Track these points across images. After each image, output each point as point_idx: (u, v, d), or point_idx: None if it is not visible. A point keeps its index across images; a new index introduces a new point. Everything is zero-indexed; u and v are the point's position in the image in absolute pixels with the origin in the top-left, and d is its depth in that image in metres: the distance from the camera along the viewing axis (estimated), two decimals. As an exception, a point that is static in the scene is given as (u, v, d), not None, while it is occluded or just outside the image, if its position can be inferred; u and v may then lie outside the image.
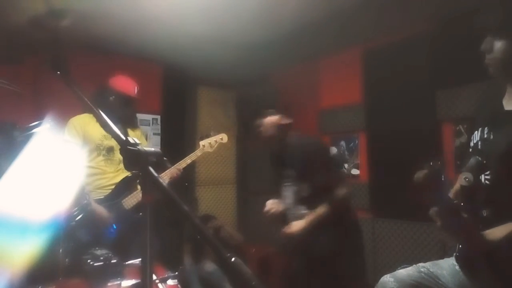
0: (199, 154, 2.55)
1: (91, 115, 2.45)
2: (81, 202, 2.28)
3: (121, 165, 2.46)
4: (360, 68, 3.30)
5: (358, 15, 2.78)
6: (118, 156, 2.47)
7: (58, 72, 1.06)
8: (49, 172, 1.58)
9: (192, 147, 4.31)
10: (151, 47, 3.56)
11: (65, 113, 2.48)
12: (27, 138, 1.65)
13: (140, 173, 0.82)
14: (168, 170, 2.45)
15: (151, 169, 0.81)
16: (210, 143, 2.58)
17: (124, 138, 0.86)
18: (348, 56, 3.40)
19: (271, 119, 2.20)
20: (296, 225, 2.05)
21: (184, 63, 3.97)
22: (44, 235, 1.56)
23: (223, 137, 2.64)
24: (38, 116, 1.85)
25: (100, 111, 1.01)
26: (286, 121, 2.21)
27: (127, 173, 2.44)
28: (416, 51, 2.87)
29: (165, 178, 2.40)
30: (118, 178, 2.43)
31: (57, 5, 2.59)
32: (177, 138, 4.13)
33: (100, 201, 2.35)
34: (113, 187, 2.41)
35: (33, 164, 1.53)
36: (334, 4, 2.70)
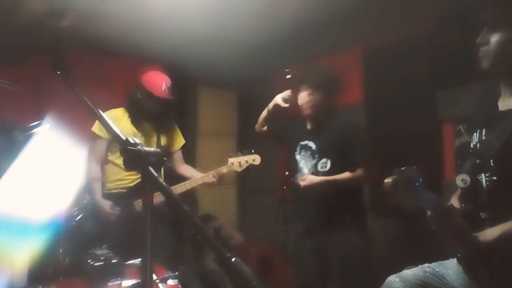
0: (225, 171, 2.37)
1: (125, 111, 2.44)
2: (81, 202, 2.29)
3: None
4: (360, 68, 3.29)
5: (358, 15, 2.78)
6: None
7: (58, 72, 1.06)
8: (49, 172, 1.58)
9: (192, 147, 4.33)
10: (151, 47, 3.55)
11: (65, 113, 2.49)
12: (27, 138, 1.65)
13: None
14: (200, 177, 2.39)
15: (151, 169, 0.80)
16: (240, 162, 2.37)
17: (124, 138, 0.86)
18: (348, 56, 3.40)
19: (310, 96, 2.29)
20: (311, 178, 2.16)
21: (184, 63, 3.97)
22: (44, 235, 1.56)
23: (255, 159, 2.39)
24: (38, 116, 1.86)
25: (100, 111, 1.01)
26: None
27: None
28: (416, 51, 2.87)
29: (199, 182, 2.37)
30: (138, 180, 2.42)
31: (58, 5, 2.59)
32: (177, 138, 4.12)
33: (112, 196, 2.35)
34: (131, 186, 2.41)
35: (33, 164, 1.53)
36: (334, 4, 2.70)
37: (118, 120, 2.39)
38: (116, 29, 3.12)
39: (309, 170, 2.27)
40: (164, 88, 2.39)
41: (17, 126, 1.79)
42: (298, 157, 2.36)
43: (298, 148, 2.36)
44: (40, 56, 2.97)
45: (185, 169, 2.64)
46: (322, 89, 2.26)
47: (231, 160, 2.38)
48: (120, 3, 2.67)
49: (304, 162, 2.32)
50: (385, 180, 1.24)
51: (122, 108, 2.46)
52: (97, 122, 2.35)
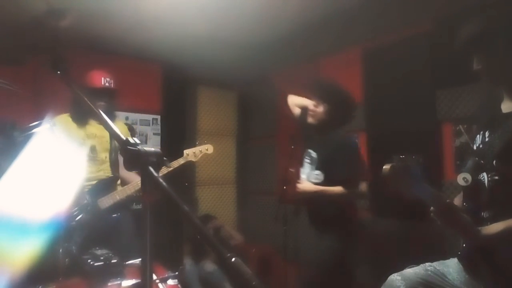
0: (182, 162, 2.50)
1: (69, 116, 2.45)
2: (81, 202, 2.29)
3: (103, 166, 2.47)
4: (360, 68, 3.29)
5: (358, 15, 2.78)
6: (100, 156, 2.47)
7: (58, 72, 1.06)
8: (49, 172, 1.58)
9: (192, 147, 4.32)
10: (151, 47, 3.55)
11: (65, 113, 2.49)
12: (27, 138, 1.65)
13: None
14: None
15: (151, 169, 0.80)
16: (194, 152, 2.55)
17: (124, 138, 0.85)
18: (348, 56, 3.40)
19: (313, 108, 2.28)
20: (306, 186, 2.23)
21: (184, 63, 3.97)
22: (44, 235, 1.56)
23: (208, 148, 2.60)
24: (38, 116, 1.85)
25: (100, 111, 1.01)
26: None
27: (109, 173, 2.45)
28: (416, 51, 2.87)
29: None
30: (99, 178, 2.43)
31: (57, 5, 2.59)
32: (177, 138, 4.13)
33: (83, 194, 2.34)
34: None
35: (33, 164, 1.53)
36: (334, 4, 2.70)
37: (68, 123, 2.40)
38: (117, 29, 3.12)
39: (306, 177, 2.29)
40: (104, 81, 2.44)
41: (17, 126, 1.79)
42: (305, 161, 2.37)
43: (306, 154, 2.37)
44: (40, 56, 2.98)
45: (126, 172, 2.47)
46: (328, 103, 2.22)
47: (186, 151, 2.54)
48: (120, 3, 2.67)
49: (305, 169, 2.34)
50: (384, 167, 1.24)
51: (67, 114, 2.44)
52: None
